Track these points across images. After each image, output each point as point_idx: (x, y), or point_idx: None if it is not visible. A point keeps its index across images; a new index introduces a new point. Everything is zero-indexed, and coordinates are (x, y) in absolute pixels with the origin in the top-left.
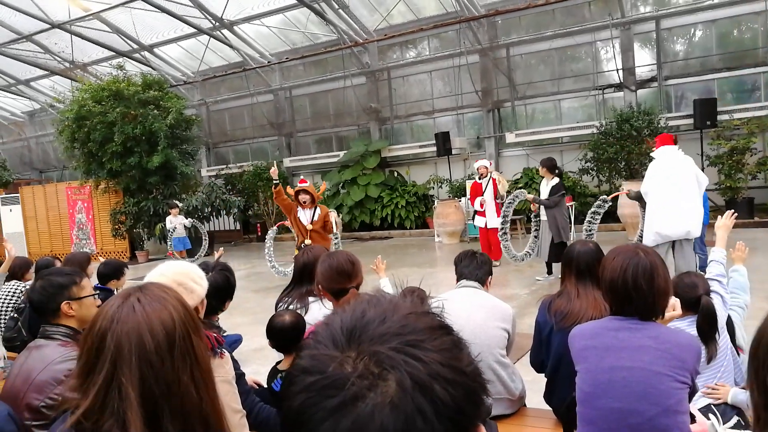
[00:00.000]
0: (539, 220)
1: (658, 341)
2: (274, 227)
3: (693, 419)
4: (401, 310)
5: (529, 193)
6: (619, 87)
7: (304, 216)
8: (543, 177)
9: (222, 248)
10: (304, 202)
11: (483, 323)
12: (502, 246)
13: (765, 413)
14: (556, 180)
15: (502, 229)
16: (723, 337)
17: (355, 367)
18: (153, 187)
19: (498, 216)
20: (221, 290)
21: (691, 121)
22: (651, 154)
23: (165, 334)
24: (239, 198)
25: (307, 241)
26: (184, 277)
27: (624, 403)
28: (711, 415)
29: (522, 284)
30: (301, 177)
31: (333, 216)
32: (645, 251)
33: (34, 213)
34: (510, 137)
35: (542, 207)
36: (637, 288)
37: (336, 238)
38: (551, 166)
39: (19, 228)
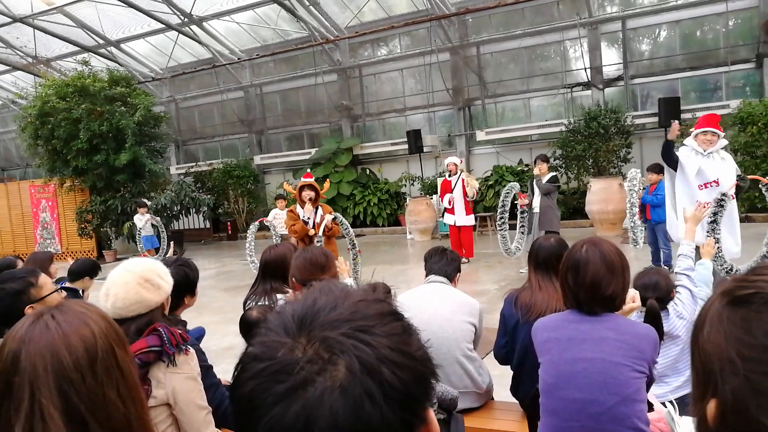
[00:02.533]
0: (526, 215)
1: (617, 332)
2: (256, 222)
3: (651, 407)
4: (352, 297)
5: (521, 189)
6: (587, 85)
7: (306, 216)
8: (537, 172)
9: (173, 245)
10: (311, 199)
11: (450, 317)
12: (498, 236)
13: (697, 391)
14: (552, 174)
15: (500, 218)
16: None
17: (305, 353)
18: (121, 186)
19: (468, 214)
20: (180, 285)
21: (655, 119)
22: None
23: (85, 349)
24: (209, 196)
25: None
26: (150, 274)
27: (585, 393)
28: (668, 403)
29: (492, 280)
30: (308, 171)
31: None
32: (595, 245)
33: None
34: (480, 135)
35: (535, 201)
36: (594, 282)
37: (319, 241)
38: (547, 160)
39: None
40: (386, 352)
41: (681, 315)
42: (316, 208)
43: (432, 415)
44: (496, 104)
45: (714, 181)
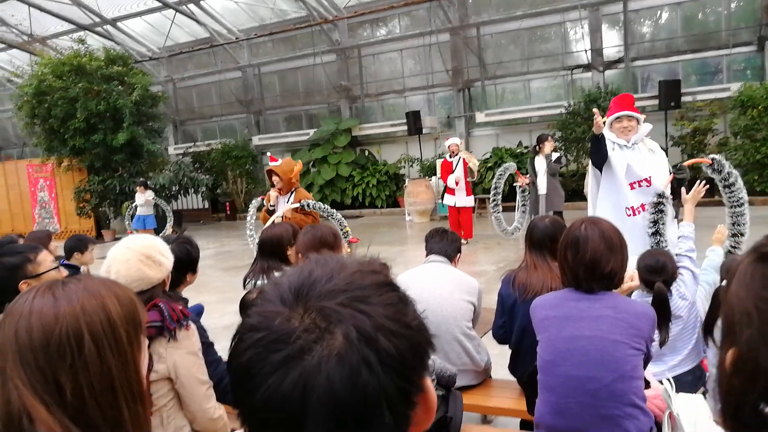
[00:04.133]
0: (526, 194)
1: (615, 311)
2: (259, 198)
3: (647, 385)
4: (348, 269)
5: (518, 168)
6: (587, 68)
7: (279, 203)
8: (538, 153)
9: (172, 225)
10: (280, 189)
11: (449, 296)
12: (492, 218)
13: (722, 341)
14: (557, 154)
15: (493, 200)
16: (694, 313)
17: (301, 322)
18: (119, 165)
19: (468, 195)
20: (182, 262)
21: (656, 102)
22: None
23: (92, 322)
24: (207, 176)
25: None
26: (151, 250)
27: (582, 371)
28: (665, 380)
29: (490, 261)
30: (269, 154)
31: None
32: (594, 224)
33: None
34: (480, 117)
35: (538, 181)
36: (594, 261)
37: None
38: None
39: None
40: (383, 321)
41: (683, 296)
42: (290, 194)
43: (429, 383)
44: (495, 86)
45: (646, 180)
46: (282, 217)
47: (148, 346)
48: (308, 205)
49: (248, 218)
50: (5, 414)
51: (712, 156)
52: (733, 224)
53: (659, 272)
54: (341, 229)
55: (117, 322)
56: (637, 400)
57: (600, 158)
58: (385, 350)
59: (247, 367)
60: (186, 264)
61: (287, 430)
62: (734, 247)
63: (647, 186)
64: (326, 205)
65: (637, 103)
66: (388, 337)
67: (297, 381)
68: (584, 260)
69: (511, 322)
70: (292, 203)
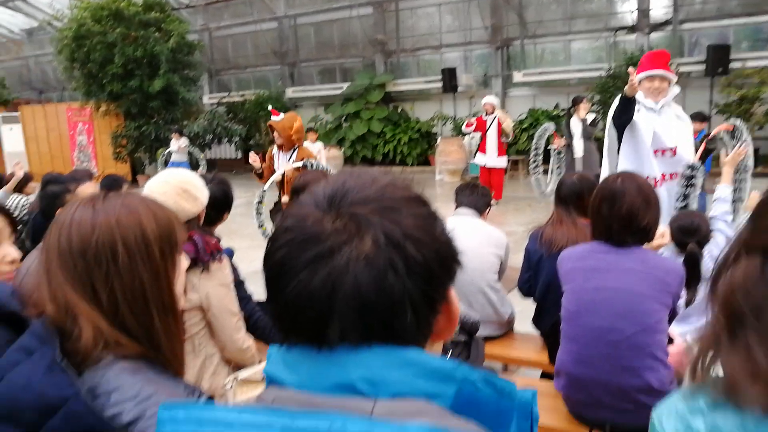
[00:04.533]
0: (561, 156)
1: (645, 265)
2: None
3: (671, 341)
4: (380, 182)
5: (556, 130)
6: (631, 29)
7: (281, 162)
8: (573, 114)
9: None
10: (280, 146)
11: (477, 248)
12: (532, 179)
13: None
14: (593, 116)
15: (533, 162)
16: None
17: (333, 225)
18: (154, 112)
19: (500, 155)
20: (220, 202)
21: (703, 67)
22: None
23: (128, 236)
24: (241, 127)
25: (284, 199)
26: (187, 185)
27: (605, 321)
28: (689, 338)
29: (519, 222)
30: (270, 107)
31: (319, 148)
32: (630, 178)
33: (35, 134)
34: (517, 76)
35: (573, 144)
36: (630, 213)
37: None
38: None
39: (20, 148)
40: (412, 230)
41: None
42: (293, 151)
43: (453, 295)
44: (535, 45)
45: (671, 150)
46: (283, 176)
47: None
48: (311, 165)
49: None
50: (55, 308)
51: (733, 122)
52: (734, 190)
53: (693, 233)
54: None
55: (151, 238)
56: (659, 353)
57: (626, 120)
58: (413, 257)
59: (280, 264)
60: (222, 204)
61: (314, 328)
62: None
63: (671, 156)
64: (329, 166)
65: (683, 68)
66: (416, 245)
67: (325, 279)
68: (620, 213)
69: (537, 277)
70: (294, 161)
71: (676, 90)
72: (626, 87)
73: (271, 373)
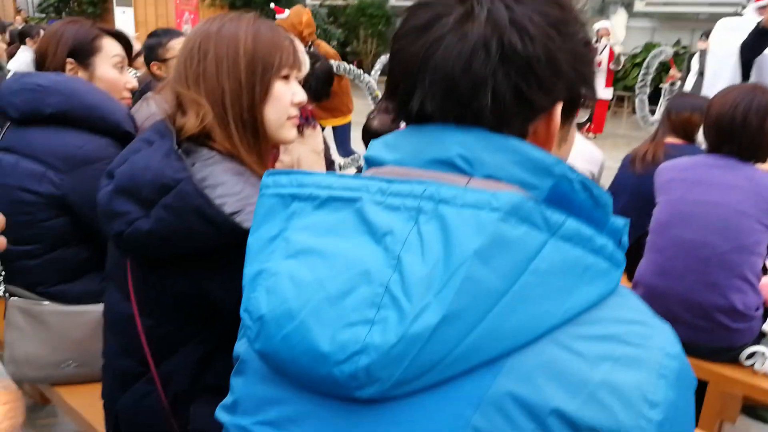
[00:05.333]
0: (675, 88)
1: (751, 183)
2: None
3: (766, 271)
4: None
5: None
6: None
7: None
8: (697, 51)
9: None
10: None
11: (568, 161)
12: (637, 99)
13: None
14: None
15: (641, 81)
16: None
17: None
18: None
19: (607, 86)
20: (329, 76)
21: None
22: None
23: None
24: (340, 31)
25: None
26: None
27: (698, 235)
28: None
29: (615, 158)
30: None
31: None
32: (763, 90)
33: (145, 18)
34: (639, 5)
35: (688, 78)
36: (746, 125)
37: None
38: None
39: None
40: (523, 20)
41: None
42: (308, 49)
43: (558, 114)
44: None
45: None
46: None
47: None
48: (340, 68)
49: (374, 72)
50: (169, 106)
51: None
52: None
53: None
54: (370, 95)
55: (241, 52)
56: (750, 275)
57: (755, 54)
58: (512, 45)
59: (396, 33)
60: (326, 79)
61: (403, 98)
62: None
63: None
64: (351, 66)
65: None
66: (521, 34)
67: (420, 47)
68: (735, 124)
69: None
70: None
71: None
72: (764, 18)
73: (371, 156)
